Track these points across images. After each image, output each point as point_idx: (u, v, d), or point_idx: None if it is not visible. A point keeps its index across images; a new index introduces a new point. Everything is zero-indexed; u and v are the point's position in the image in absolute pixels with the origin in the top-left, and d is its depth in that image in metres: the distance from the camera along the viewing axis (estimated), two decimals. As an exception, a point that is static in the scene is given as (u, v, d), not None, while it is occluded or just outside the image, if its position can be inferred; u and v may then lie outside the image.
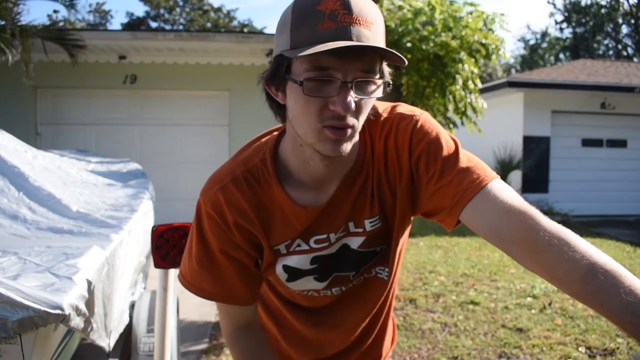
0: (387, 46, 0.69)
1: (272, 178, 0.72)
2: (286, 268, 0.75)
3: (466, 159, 0.69)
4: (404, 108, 0.75)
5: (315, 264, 0.75)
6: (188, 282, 0.77)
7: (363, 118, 0.65)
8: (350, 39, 0.58)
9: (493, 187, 0.64)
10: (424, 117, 0.73)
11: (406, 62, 0.63)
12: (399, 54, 0.61)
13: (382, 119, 0.74)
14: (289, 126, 0.69)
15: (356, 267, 0.77)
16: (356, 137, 0.67)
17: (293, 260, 0.75)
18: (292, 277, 0.76)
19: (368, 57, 0.61)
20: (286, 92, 0.65)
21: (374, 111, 0.74)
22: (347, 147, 0.64)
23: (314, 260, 0.75)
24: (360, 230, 0.74)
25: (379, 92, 0.64)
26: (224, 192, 0.72)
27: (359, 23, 0.59)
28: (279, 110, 0.69)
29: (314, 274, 0.76)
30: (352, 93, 0.60)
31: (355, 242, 0.75)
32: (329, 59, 0.59)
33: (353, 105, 0.60)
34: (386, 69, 0.68)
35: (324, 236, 0.73)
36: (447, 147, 0.69)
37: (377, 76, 0.63)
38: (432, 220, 0.74)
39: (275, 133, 0.76)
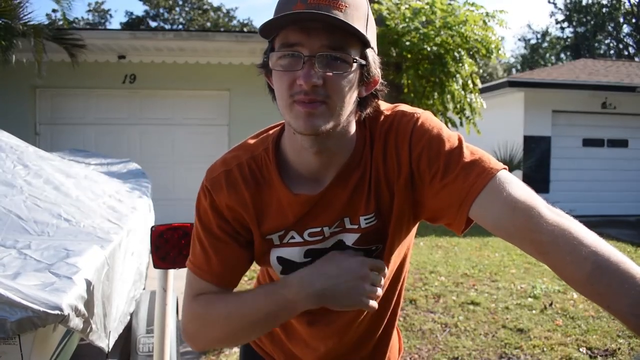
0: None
1: (272, 166, 0.73)
2: (280, 259, 0.76)
3: (469, 152, 0.67)
4: (405, 107, 0.75)
5: (309, 257, 0.75)
6: (193, 265, 0.78)
7: (339, 98, 0.64)
8: (315, 16, 0.60)
9: (499, 180, 0.63)
10: (425, 116, 0.72)
11: (369, 41, 0.64)
12: (361, 32, 0.62)
13: (383, 116, 0.74)
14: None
15: None
16: (338, 122, 0.65)
17: (287, 252, 0.75)
18: (286, 270, 0.76)
19: (335, 33, 0.61)
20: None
21: (375, 109, 0.74)
22: (322, 125, 0.63)
23: (308, 253, 0.75)
24: (356, 226, 0.73)
25: (351, 72, 0.64)
26: (227, 176, 0.74)
27: (330, 4, 0.61)
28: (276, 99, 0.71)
29: None
30: (316, 67, 0.62)
31: (350, 239, 0.74)
32: (296, 35, 0.62)
33: (316, 79, 0.61)
34: (373, 57, 0.67)
35: (318, 229, 0.73)
36: (450, 143, 0.68)
37: (349, 57, 0.63)
38: (438, 224, 0.73)
39: (282, 124, 0.78)
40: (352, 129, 0.72)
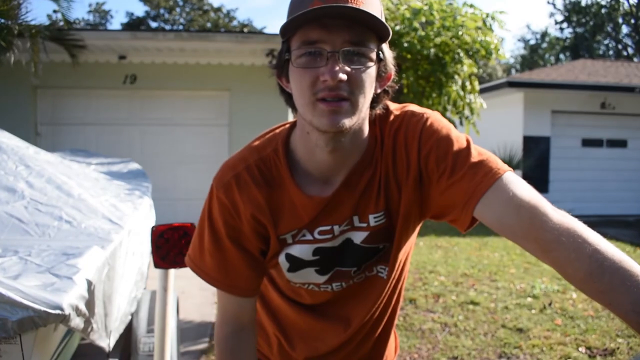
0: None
1: (283, 167, 0.73)
2: (288, 257, 0.76)
3: (477, 153, 0.68)
4: (415, 107, 0.75)
5: (317, 255, 0.75)
6: (195, 265, 0.78)
7: (362, 93, 0.64)
8: (343, 10, 0.60)
9: (505, 181, 0.64)
10: (435, 116, 0.73)
11: (390, 32, 0.65)
12: (384, 22, 0.62)
13: (392, 116, 0.74)
14: (298, 115, 0.71)
15: (358, 263, 0.77)
16: (359, 118, 0.66)
17: (296, 250, 0.75)
18: (293, 267, 0.76)
19: (356, 29, 0.62)
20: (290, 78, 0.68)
21: (385, 108, 0.74)
22: (346, 121, 0.63)
23: (317, 252, 0.75)
24: (365, 225, 0.74)
25: (372, 67, 0.65)
26: (237, 179, 0.73)
27: (348, 0, 0.61)
28: (290, 101, 0.70)
29: (315, 266, 0.76)
30: (340, 63, 0.62)
31: (358, 237, 0.75)
32: (317, 32, 0.62)
33: (341, 75, 0.61)
34: (388, 52, 0.68)
35: (328, 227, 0.73)
36: (458, 143, 0.69)
37: (371, 51, 0.64)
38: (443, 221, 0.73)
39: (288, 125, 0.78)
40: (366, 126, 0.72)
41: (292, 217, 0.73)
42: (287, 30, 0.63)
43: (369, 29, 0.62)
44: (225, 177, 0.74)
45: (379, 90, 0.69)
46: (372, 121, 0.74)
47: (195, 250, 0.78)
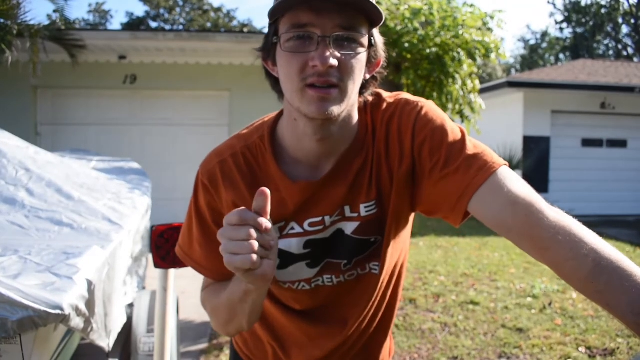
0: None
1: (268, 154, 0.72)
2: (278, 252, 0.73)
3: (472, 146, 0.67)
4: (408, 96, 0.74)
5: (308, 248, 0.73)
6: (184, 253, 0.78)
7: (351, 80, 0.62)
8: None
9: (500, 176, 0.63)
10: (429, 105, 0.71)
11: (384, 18, 0.63)
12: (376, 6, 0.61)
13: (386, 103, 0.73)
14: (285, 101, 0.69)
15: (349, 256, 0.74)
16: (348, 105, 0.64)
17: (285, 244, 0.73)
18: (283, 264, 0.74)
19: (348, 13, 0.60)
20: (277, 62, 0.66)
21: (377, 96, 0.73)
22: (335, 109, 0.62)
23: (307, 244, 0.73)
24: (356, 215, 0.72)
25: (363, 52, 0.63)
26: (221, 165, 0.72)
27: None
28: (277, 86, 0.69)
29: (306, 259, 0.74)
30: (331, 48, 0.60)
31: (349, 228, 0.72)
32: (307, 16, 0.60)
33: (332, 60, 0.59)
34: (379, 38, 0.67)
35: (319, 219, 0.71)
36: (453, 134, 0.67)
37: (362, 37, 0.62)
38: (435, 216, 0.71)
39: (276, 113, 0.77)
40: (355, 113, 0.71)
41: (277, 206, 0.70)
42: (276, 12, 0.62)
43: (361, 13, 0.61)
44: (210, 163, 0.73)
45: (367, 76, 0.68)
46: (363, 108, 0.72)
47: (185, 238, 0.78)
